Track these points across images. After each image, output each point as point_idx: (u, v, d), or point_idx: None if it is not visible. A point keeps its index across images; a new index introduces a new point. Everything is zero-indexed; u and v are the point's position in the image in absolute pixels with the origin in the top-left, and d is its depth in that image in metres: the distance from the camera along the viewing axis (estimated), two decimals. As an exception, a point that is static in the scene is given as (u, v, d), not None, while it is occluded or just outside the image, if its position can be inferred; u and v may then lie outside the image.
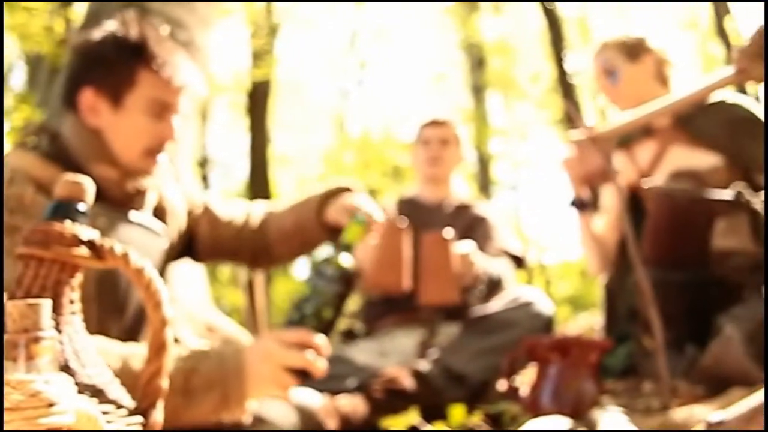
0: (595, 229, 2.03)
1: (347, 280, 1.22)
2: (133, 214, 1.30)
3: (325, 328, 1.18)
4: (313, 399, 1.35)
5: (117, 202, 1.27)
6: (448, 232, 1.93)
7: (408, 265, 1.84)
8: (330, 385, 1.67)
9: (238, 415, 1.13)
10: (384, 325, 2.15)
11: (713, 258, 1.73)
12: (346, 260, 1.22)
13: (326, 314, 1.18)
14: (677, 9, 14.07)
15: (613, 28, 14.55)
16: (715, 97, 1.91)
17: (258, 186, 8.07)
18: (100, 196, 1.27)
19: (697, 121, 1.88)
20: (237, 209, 1.56)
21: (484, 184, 13.20)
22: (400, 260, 1.84)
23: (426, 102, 14.82)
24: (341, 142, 13.97)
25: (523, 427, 1.17)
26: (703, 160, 1.85)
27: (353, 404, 1.65)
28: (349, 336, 2.25)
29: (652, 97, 1.83)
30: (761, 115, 1.87)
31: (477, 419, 1.39)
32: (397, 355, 2.02)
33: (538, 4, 9.96)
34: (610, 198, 2.04)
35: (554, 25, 9.40)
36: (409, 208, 2.35)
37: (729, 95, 1.95)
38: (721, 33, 10.45)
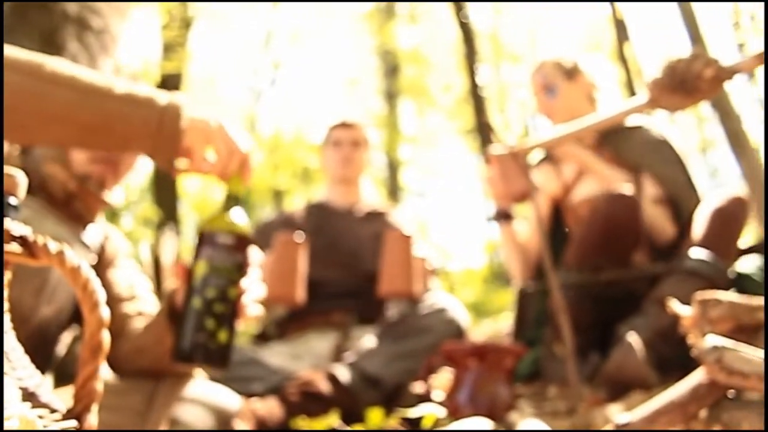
0: (517, 238, 2.12)
1: (245, 245, 1.02)
2: (71, 223, 1.23)
3: (234, 310, 0.99)
4: (230, 401, 1.33)
5: (59, 205, 1.21)
6: (409, 230, 1.99)
7: (302, 278, 1.86)
8: (243, 387, 1.65)
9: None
10: (297, 328, 2.14)
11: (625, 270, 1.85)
12: (239, 218, 1.03)
13: (232, 294, 0.98)
14: (583, 31, 14.79)
15: (522, 45, 15.12)
16: (633, 121, 2.06)
17: (163, 183, 7.80)
18: (45, 195, 1.21)
19: (617, 141, 2.02)
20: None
21: (393, 190, 13.35)
22: (295, 274, 1.86)
23: (338, 106, 14.85)
24: (252, 141, 13.76)
25: (441, 429, 1.20)
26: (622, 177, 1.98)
27: (268, 407, 1.64)
28: (262, 338, 2.23)
29: (583, 114, 1.95)
30: (673, 139, 2.03)
31: (394, 422, 1.41)
32: (310, 358, 2.02)
33: (453, 17, 10.18)
34: (532, 210, 2.14)
35: (468, 37, 9.63)
36: (318, 213, 2.35)
37: (646, 120, 2.10)
38: (621, 57, 11.08)
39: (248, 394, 1.66)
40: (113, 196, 1.32)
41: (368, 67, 13.90)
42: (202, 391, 1.26)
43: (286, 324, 2.18)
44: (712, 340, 0.88)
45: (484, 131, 9.97)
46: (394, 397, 1.79)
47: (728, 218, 1.72)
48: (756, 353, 0.85)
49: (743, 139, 8.77)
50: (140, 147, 0.96)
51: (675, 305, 1.08)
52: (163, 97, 0.98)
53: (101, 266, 1.33)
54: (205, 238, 1.00)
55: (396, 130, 13.32)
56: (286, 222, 2.32)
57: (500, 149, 1.65)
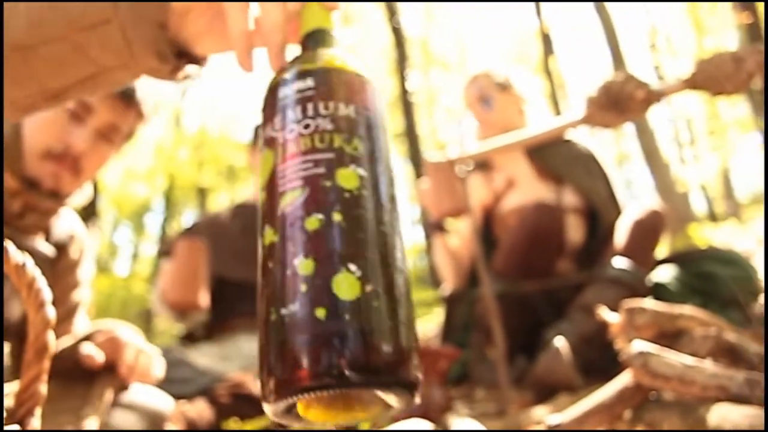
0: (450, 247, 2.17)
1: None
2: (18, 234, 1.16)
3: None
4: (162, 404, 1.30)
5: (13, 218, 1.14)
6: None
7: (205, 283, 1.84)
8: (171, 389, 1.62)
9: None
10: (225, 329, 2.12)
11: (551, 278, 1.93)
12: None
13: None
14: (511, 43, 15.18)
15: (452, 53, 15.39)
16: (562, 136, 2.15)
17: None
18: None
19: (545, 153, 2.10)
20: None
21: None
22: (197, 279, 1.84)
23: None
24: (176, 137, 13.42)
25: (379, 430, 1.22)
26: (549, 189, 2.05)
27: (198, 409, 1.61)
28: (189, 339, 2.19)
29: (516, 126, 2.01)
30: (598, 153, 2.12)
31: (331, 423, 1.42)
32: (240, 359, 2.00)
33: (386, 21, 10.26)
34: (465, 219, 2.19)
35: (400, 43, 9.74)
36: (246, 213, 2.32)
37: (574, 135, 2.19)
38: (546, 70, 11.45)
39: (177, 396, 1.63)
40: (72, 198, 1.25)
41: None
42: (135, 395, 1.23)
43: (213, 325, 2.15)
44: (638, 345, 0.93)
45: (412, 136, 10.10)
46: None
47: (647, 230, 1.82)
48: (677, 358, 0.91)
49: (657, 155, 9.23)
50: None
51: (603, 312, 1.14)
52: None
53: (63, 268, 1.28)
54: None
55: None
56: (212, 223, 2.28)
57: (438, 158, 1.69)
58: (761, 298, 1.87)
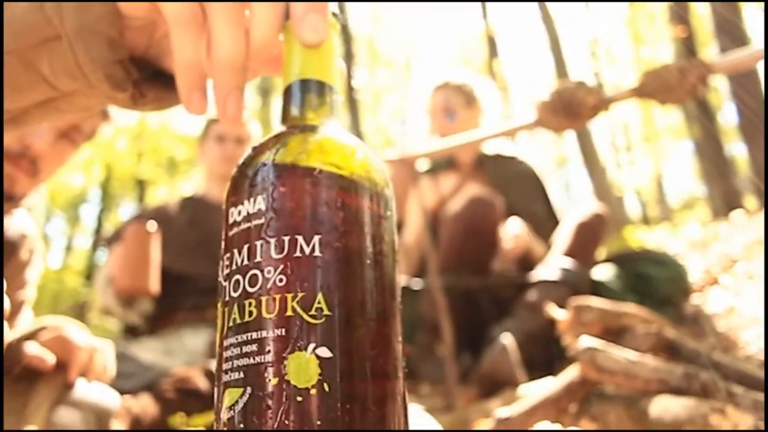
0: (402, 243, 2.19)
1: None
2: None
3: None
4: (109, 400, 1.28)
5: None
6: None
7: (156, 269, 1.81)
8: (114, 384, 1.59)
9: None
10: (169, 323, 2.08)
11: (491, 277, 1.97)
12: None
13: None
14: (456, 44, 15.36)
15: (398, 52, 15.47)
16: (508, 151, 2.20)
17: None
18: None
19: (492, 167, 2.15)
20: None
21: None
22: (148, 264, 1.81)
23: (208, 97, 14.36)
24: (114, 127, 13.03)
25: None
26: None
27: (142, 405, 1.58)
28: (132, 333, 2.15)
29: None
30: (539, 172, 2.19)
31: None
32: (184, 354, 1.97)
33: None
34: (414, 216, 2.21)
35: (347, 41, 9.73)
36: (194, 206, 2.28)
37: (520, 153, 2.24)
38: (491, 72, 11.65)
39: (120, 391, 1.60)
40: (27, 200, 1.20)
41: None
42: (80, 392, 1.20)
43: (157, 319, 2.11)
44: (586, 341, 0.97)
45: (356, 134, 10.13)
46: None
47: (589, 232, 1.89)
48: (622, 353, 0.95)
49: (595, 158, 9.50)
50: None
51: (551, 310, 1.18)
52: None
53: (13, 268, 1.24)
54: None
55: (269, 126, 13.16)
56: (159, 213, 2.23)
57: (392, 156, 1.71)
58: (692, 298, 1.96)
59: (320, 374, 0.35)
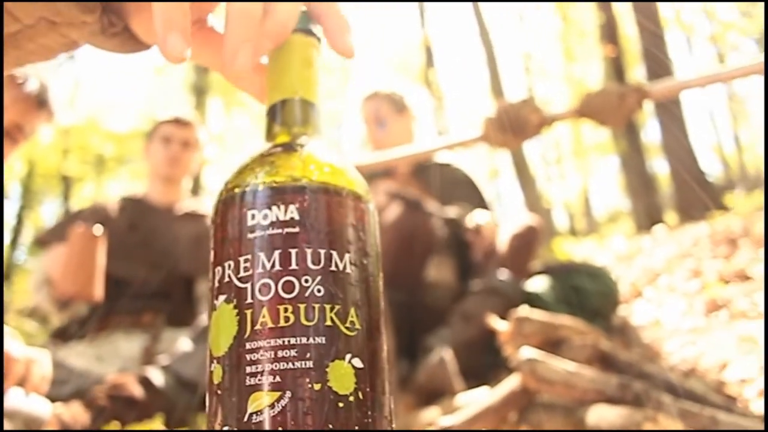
0: None
1: None
2: None
3: None
4: (40, 408, 1.24)
5: None
6: None
7: (100, 273, 1.77)
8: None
9: None
10: (102, 328, 2.03)
11: (424, 286, 2.00)
12: None
13: None
14: (394, 52, 15.48)
15: (335, 57, 15.46)
16: (443, 158, 2.24)
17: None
18: None
19: (428, 174, 2.18)
20: None
21: (194, 189, 12.91)
22: (93, 270, 1.77)
23: (141, 94, 14.02)
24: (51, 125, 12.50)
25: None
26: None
27: (73, 412, 1.54)
28: (60, 337, 2.08)
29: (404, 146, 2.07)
30: (476, 178, 2.24)
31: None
32: (117, 360, 1.92)
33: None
34: None
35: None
36: (134, 208, 2.23)
37: (454, 157, 2.29)
38: (426, 81, 11.81)
39: (50, 399, 1.54)
40: None
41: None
42: (11, 400, 1.16)
43: (88, 323, 2.05)
44: (527, 352, 1.01)
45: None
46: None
47: (524, 244, 1.95)
48: (561, 364, 1.00)
49: (526, 171, 9.76)
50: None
51: (492, 321, 1.22)
52: None
53: None
54: None
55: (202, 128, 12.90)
56: (98, 214, 2.17)
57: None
58: (619, 310, 2.05)
59: (356, 383, 0.37)
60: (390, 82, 2.36)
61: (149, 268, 2.10)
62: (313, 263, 0.38)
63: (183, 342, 1.90)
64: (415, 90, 2.38)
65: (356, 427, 0.36)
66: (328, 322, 0.37)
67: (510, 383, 1.06)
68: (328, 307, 0.37)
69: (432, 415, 1.30)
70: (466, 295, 1.90)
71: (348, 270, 0.39)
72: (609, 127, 1.14)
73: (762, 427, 0.90)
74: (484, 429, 1.01)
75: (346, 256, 0.39)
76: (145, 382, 1.70)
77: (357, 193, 0.42)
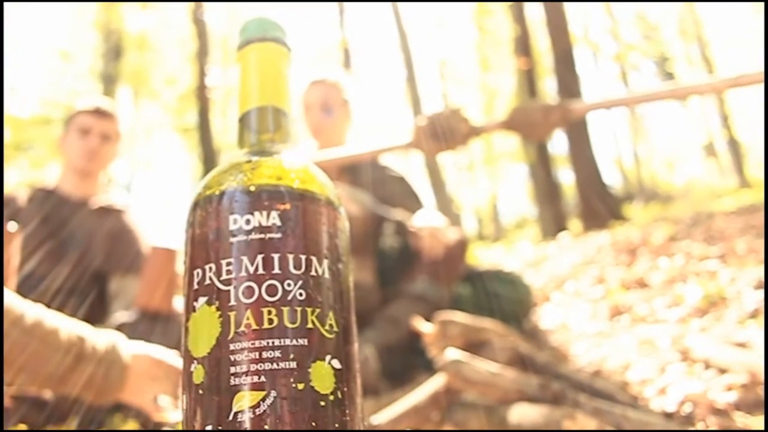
0: None
1: None
2: None
3: None
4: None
5: None
6: (174, 244, 1.83)
7: (14, 272, 1.70)
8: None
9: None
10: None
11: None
12: None
13: None
14: (312, 51, 15.41)
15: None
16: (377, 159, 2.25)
17: None
18: None
19: (355, 173, 2.19)
20: None
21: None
22: (9, 269, 1.70)
23: (44, 79, 13.30)
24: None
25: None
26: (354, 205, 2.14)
27: (-26, 414, 1.46)
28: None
29: (340, 140, 2.07)
30: (405, 174, 2.26)
31: (132, 426, 1.37)
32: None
33: (188, 12, 9.91)
34: None
35: (202, 36, 9.46)
36: (45, 200, 2.12)
37: (386, 159, 2.30)
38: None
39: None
40: None
41: (87, 43, 12.71)
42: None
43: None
44: (452, 354, 1.05)
45: (204, 132, 9.84)
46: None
47: (454, 255, 1.99)
48: (483, 365, 1.04)
49: (438, 175, 9.94)
50: (89, 394, 1.02)
51: (418, 324, 1.25)
52: (103, 344, 1.03)
53: None
54: None
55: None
56: (7, 205, 2.05)
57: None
58: (532, 315, 2.14)
59: (335, 383, 0.39)
60: (336, 71, 2.33)
61: (61, 264, 2.01)
62: (295, 268, 0.40)
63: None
64: (353, 86, 2.37)
65: (336, 425, 0.38)
66: (310, 325, 0.39)
67: (434, 384, 1.09)
68: (309, 310, 0.39)
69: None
70: (392, 298, 1.93)
71: (326, 275, 0.41)
72: (534, 140, 1.20)
73: (663, 422, 0.97)
74: (408, 428, 1.04)
75: (324, 261, 0.41)
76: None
77: (330, 199, 0.44)
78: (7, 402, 1.54)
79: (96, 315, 1.99)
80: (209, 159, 9.63)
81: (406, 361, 1.70)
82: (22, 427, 1.43)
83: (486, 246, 7.87)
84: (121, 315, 1.85)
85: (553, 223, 7.41)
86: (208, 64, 9.68)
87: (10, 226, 1.69)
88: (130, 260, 2.11)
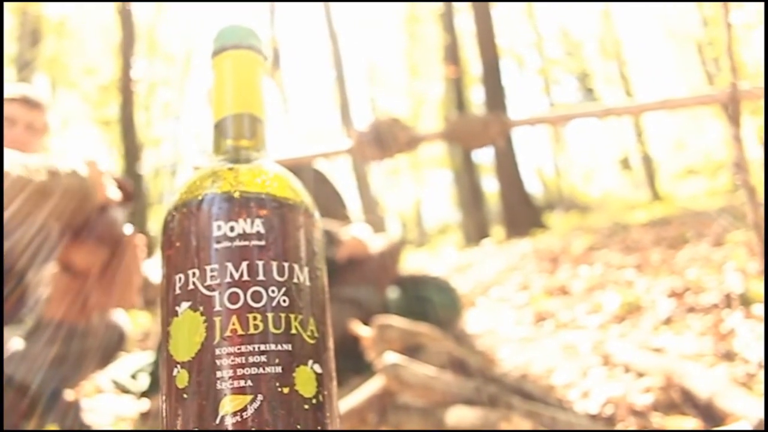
0: None
1: None
2: None
3: None
4: None
5: None
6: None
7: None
8: None
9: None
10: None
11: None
12: None
13: None
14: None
15: (179, 45, 14.89)
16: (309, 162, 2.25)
17: None
18: None
19: (296, 175, 2.18)
20: None
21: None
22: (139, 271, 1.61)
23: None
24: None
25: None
26: None
27: None
28: None
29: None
30: (332, 177, 2.27)
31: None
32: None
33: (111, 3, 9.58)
34: None
35: (127, 26, 9.17)
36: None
37: (318, 165, 2.29)
38: (273, 82, 11.71)
39: None
40: None
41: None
42: None
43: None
44: (390, 357, 1.07)
45: (127, 124, 9.54)
46: (43, 405, 1.65)
47: (387, 261, 2.02)
48: (421, 368, 1.07)
49: (364, 177, 9.97)
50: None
51: (357, 327, 1.27)
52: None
53: None
54: None
55: (24, 105, 11.79)
56: None
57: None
58: (460, 320, 2.19)
59: (317, 387, 0.40)
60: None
61: None
62: (279, 275, 0.41)
63: (14, 341, 1.77)
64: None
65: (319, 428, 0.39)
66: (293, 331, 0.40)
67: (371, 387, 1.11)
68: (292, 316, 0.40)
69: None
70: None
71: (307, 282, 0.42)
72: (473, 150, 1.24)
73: (589, 423, 1.03)
74: (346, 430, 1.06)
75: (305, 268, 0.42)
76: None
77: (307, 206, 0.46)
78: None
79: (12, 313, 1.91)
80: (132, 153, 9.33)
81: (340, 365, 1.71)
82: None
83: (411, 251, 7.97)
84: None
85: (477, 229, 7.58)
86: (132, 56, 9.38)
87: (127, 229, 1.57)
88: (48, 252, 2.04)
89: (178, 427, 0.38)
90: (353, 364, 1.60)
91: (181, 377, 0.39)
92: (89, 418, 1.71)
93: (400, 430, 1.05)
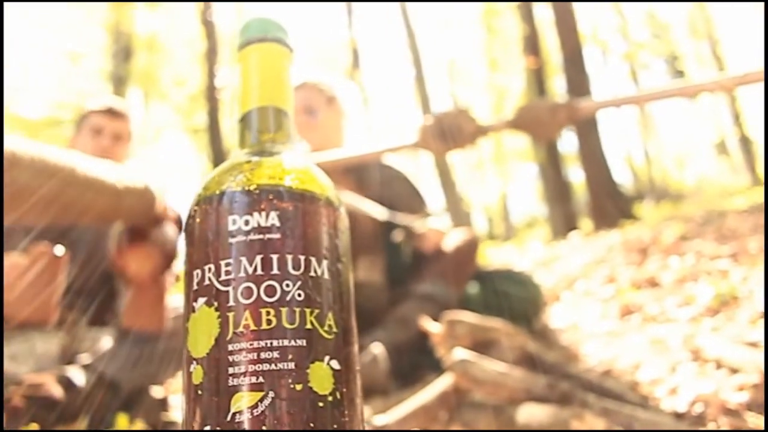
0: None
1: None
2: None
3: None
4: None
5: None
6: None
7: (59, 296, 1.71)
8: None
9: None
10: (15, 326, 1.94)
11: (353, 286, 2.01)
12: None
13: None
14: (320, 51, 15.41)
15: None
16: (379, 159, 2.25)
17: None
18: None
19: (360, 173, 2.18)
20: None
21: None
22: (53, 293, 1.71)
23: (54, 79, 13.35)
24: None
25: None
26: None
27: (-15, 414, 1.47)
28: (-31, 337, 1.98)
29: (335, 138, 2.06)
30: (409, 173, 2.26)
31: (140, 426, 1.37)
32: (33, 360, 1.85)
33: (197, 13, 9.94)
34: None
35: (210, 36, 9.49)
36: None
37: (394, 161, 2.29)
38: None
39: (-40, 400, 1.47)
40: None
41: (96, 44, 12.77)
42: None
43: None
44: (459, 353, 1.05)
45: (214, 132, 9.88)
46: (133, 401, 1.73)
47: (463, 256, 1.99)
48: (491, 365, 1.04)
49: (447, 173, 9.92)
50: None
51: (426, 323, 1.25)
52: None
53: None
54: None
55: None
56: None
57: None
58: (542, 315, 2.13)
59: (334, 384, 0.39)
60: (319, 73, 2.32)
61: (72, 264, 2.03)
62: (294, 269, 0.40)
63: (105, 341, 1.85)
64: (345, 85, 2.36)
65: (335, 426, 0.38)
66: (308, 326, 0.39)
67: (442, 383, 1.09)
68: (308, 311, 0.39)
69: (365, 413, 1.32)
70: (402, 299, 1.93)
71: (326, 275, 0.41)
72: (541, 139, 1.19)
73: (673, 422, 0.97)
74: (416, 428, 1.04)
75: (324, 262, 0.41)
76: (66, 382, 1.64)
77: (330, 199, 0.44)
78: (17, 402, 1.56)
79: (105, 315, 2.00)
80: (219, 159, 9.66)
81: (415, 361, 1.69)
82: (34, 426, 1.44)
83: (496, 245, 7.85)
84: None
85: (564, 222, 7.38)
86: (217, 65, 9.71)
87: (58, 250, 1.70)
88: None
89: (195, 425, 0.38)
90: (429, 360, 1.58)
91: (197, 373, 0.39)
92: (177, 416, 1.77)
93: (469, 430, 1.02)
